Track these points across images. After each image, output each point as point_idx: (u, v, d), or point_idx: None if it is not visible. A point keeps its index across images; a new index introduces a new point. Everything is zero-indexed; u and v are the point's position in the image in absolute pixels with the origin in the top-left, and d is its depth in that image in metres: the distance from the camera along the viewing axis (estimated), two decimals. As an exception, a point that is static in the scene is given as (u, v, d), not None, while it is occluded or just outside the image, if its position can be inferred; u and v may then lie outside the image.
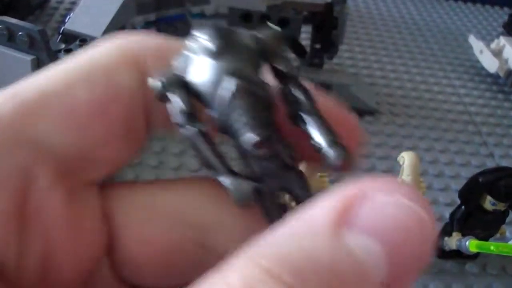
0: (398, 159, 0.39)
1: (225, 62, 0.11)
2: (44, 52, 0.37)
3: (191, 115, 0.11)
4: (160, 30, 0.53)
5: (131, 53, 0.12)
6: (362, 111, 0.59)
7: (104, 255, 0.12)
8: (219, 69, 0.11)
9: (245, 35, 0.12)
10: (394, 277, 0.09)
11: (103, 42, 0.12)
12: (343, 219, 0.09)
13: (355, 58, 0.70)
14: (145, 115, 0.12)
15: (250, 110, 0.11)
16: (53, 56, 0.38)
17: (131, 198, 0.12)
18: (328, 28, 0.52)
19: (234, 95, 0.11)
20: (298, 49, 0.49)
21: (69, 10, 0.67)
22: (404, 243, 0.09)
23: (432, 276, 0.42)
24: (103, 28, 0.45)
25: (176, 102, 0.11)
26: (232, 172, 0.12)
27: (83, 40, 0.44)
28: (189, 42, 0.12)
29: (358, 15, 0.82)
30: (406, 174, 0.37)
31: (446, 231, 0.42)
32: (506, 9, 0.91)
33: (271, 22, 0.53)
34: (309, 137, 0.12)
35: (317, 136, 0.11)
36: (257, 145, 0.11)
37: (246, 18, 0.53)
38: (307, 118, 0.12)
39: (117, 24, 0.47)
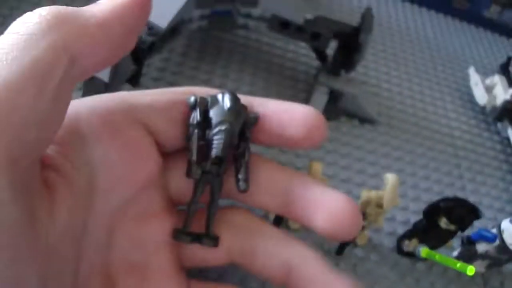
0: (384, 176, 0.49)
1: (228, 115, 0.23)
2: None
3: (200, 124, 0.23)
4: (210, 22, 0.62)
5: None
6: (364, 119, 0.69)
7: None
8: (223, 116, 0.23)
9: (241, 105, 0.24)
10: None
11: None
12: None
13: (368, 67, 0.80)
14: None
15: (225, 142, 0.23)
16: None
17: None
18: (351, 50, 0.61)
19: (222, 131, 0.23)
20: (321, 56, 0.63)
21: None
22: None
23: (390, 267, 0.55)
24: (169, 19, 0.54)
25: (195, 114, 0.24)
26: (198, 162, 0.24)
27: (150, 28, 0.52)
28: (216, 95, 0.24)
29: (379, 24, 0.91)
30: (388, 190, 0.48)
31: (407, 236, 0.54)
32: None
33: (305, 35, 0.62)
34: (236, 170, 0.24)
35: (240, 173, 0.24)
36: (216, 158, 0.23)
37: (285, 26, 0.62)
38: (240, 161, 0.24)
39: (179, 17, 0.56)
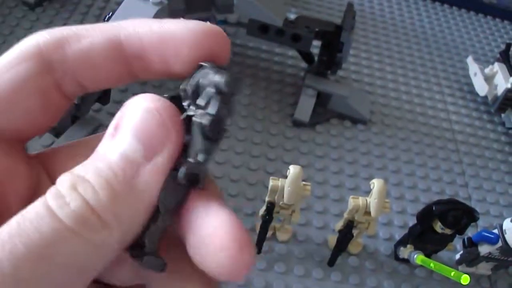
0: (370, 183, 0.47)
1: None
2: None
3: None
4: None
5: (34, 47, 0.15)
6: (356, 120, 0.67)
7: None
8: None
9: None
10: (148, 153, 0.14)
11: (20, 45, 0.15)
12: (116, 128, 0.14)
13: (360, 65, 0.77)
14: (59, 90, 0.16)
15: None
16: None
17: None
18: (333, 50, 0.58)
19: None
20: (307, 58, 0.60)
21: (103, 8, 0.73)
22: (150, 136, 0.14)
23: (386, 275, 0.52)
24: (139, 33, 0.52)
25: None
26: None
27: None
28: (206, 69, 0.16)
29: (372, 18, 0.88)
30: (373, 198, 0.45)
31: (402, 242, 0.51)
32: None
33: (285, 37, 0.59)
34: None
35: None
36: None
37: (264, 30, 0.60)
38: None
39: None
